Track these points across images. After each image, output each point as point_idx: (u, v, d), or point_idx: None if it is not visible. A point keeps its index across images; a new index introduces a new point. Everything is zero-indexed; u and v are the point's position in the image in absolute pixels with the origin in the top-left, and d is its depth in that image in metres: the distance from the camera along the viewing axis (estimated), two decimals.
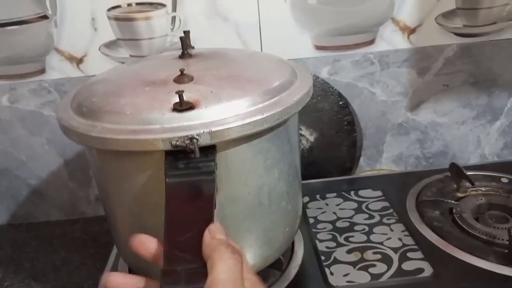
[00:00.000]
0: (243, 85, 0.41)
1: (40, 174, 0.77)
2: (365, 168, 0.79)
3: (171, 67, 0.43)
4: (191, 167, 0.35)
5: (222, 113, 0.37)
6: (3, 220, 0.80)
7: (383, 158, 0.79)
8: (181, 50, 0.49)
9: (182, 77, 0.39)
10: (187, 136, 0.34)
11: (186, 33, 0.51)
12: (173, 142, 0.34)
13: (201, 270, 0.28)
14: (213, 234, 0.29)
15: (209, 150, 0.36)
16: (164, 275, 0.28)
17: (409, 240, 0.54)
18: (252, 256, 0.45)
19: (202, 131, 0.35)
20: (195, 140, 0.34)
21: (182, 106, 0.36)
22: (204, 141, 0.35)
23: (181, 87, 0.38)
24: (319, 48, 0.70)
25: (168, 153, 0.36)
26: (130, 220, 0.44)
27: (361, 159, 0.78)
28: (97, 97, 0.40)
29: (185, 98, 0.37)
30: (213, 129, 0.35)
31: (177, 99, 0.36)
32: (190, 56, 0.47)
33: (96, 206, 0.80)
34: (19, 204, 0.80)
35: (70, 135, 0.39)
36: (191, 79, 0.39)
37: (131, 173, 0.40)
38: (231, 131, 0.36)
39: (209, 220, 0.31)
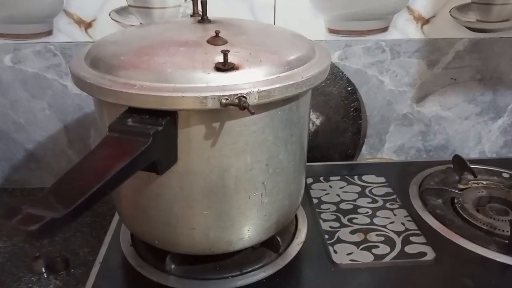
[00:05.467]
0: (276, 49, 0.40)
1: (38, 139, 0.76)
2: (366, 156, 0.80)
3: (195, 30, 0.43)
4: (135, 126, 0.35)
5: (264, 75, 0.37)
6: None
7: (385, 147, 0.79)
8: (192, 16, 0.49)
9: (216, 39, 0.39)
10: (236, 94, 0.34)
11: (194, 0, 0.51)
12: (223, 101, 0.34)
13: (40, 217, 0.27)
14: None
15: (164, 115, 0.35)
16: (8, 209, 0.28)
17: (412, 225, 0.55)
18: (208, 236, 0.43)
19: (250, 90, 0.35)
20: (243, 99, 0.34)
21: (226, 66, 0.36)
22: (252, 100, 0.35)
23: (217, 48, 0.37)
24: (332, 31, 0.70)
25: (129, 110, 0.36)
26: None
27: (363, 147, 0.78)
28: (125, 55, 0.39)
29: None
30: (261, 88, 0.35)
31: (218, 59, 0.36)
32: (210, 21, 0.46)
33: None
34: (15, 169, 0.78)
35: (101, 93, 0.37)
36: (225, 42, 0.39)
37: None
38: (277, 91, 0.36)
39: (99, 178, 0.30)
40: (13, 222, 0.26)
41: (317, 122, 0.73)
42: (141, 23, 0.68)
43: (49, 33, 0.68)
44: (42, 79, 0.71)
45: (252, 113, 0.34)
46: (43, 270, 0.57)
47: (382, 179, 0.65)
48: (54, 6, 0.66)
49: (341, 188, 0.63)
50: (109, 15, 0.67)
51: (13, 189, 0.78)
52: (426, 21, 0.70)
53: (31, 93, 0.72)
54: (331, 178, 0.65)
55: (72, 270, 0.57)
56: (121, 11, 0.67)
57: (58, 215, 0.27)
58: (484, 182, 0.65)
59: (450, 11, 0.69)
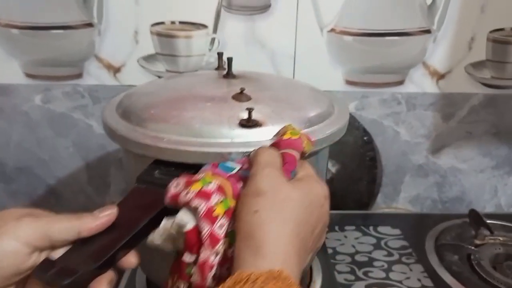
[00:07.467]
0: (297, 106, 0.43)
1: (59, 176, 0.78)
2: (381, 205, 0.80)
3: (220, 86, 0.45)
4: (162, 178, 0.35)
5: None
6: None
7: (400, 197, 0.80)
8: (216, 70, 0.52)
9: (241, 96, 0.41)
10: None
11: (220, 54, 0.53)
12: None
13: (73, 271, 0.28)
14: None
15: (190, 168, 0.36)
16: (43, 262, 0.29)
17: (428, 282, 0.54)
18: None
19: None
20: None
21: (250, 123, 0.38)
22: None
23: (241, 105, 0.39)
24: (349, 83, 0.73)
25: (156, 161, 0.37)
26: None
27: (378, 196, 0.79)
28: (155, 109, 0.41)
29: None
30: None
31: (242, 116, 0.38)
32: (234, 76, 0.49)
33: None
34: (34, 203, 0.80)
35: (131, 145, 0.39)
36: (249, 98, 0.41)
37: None
38: None
39: (129, 231, 0.31)
40: (48, 275, 0.28)
41: (333, 170, 0.74)
42: (167, 70, 0.71)
43: (79, 75, 0.72)
44: (68, 118, 0.74)
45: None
46: None
47: (397, 231, 0.65)
48: (87, 52, 0.70)
49: (356, 238, 0.63)
50: (137, 61, 0.71)
51: None
52: (442, 76, 0.72)
53: (56, 131, 0.75)
54: (346, 227, 0.65)
55: None
56: (149, 58, 0.71)
57: (90, 268, 0.28)
58: (500, 239, 0.64)
59: (465, 68, 0.71)
